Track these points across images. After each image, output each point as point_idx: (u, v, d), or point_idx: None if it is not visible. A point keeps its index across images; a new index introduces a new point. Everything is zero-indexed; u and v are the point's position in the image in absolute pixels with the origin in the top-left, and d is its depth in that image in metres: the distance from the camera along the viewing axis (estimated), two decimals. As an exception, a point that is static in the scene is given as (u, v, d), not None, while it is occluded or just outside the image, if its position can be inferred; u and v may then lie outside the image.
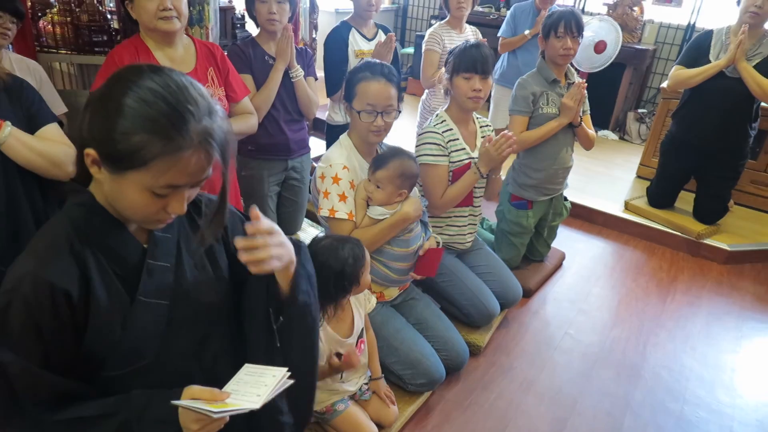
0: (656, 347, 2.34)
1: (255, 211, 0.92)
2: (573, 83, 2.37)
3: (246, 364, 1.00)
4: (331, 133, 2.83)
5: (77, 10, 2.57)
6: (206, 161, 0.85)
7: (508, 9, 3.97)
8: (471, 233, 2.28)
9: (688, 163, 3.17)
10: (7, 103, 1.38)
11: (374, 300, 1.72)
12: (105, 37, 2.62)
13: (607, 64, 3.97)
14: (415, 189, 1.85)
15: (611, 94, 4.83)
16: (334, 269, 1.47)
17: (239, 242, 0.91)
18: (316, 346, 1.13)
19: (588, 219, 3.47)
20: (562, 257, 2.96)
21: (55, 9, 2.58)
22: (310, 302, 1.06)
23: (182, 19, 1.76)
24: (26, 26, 2.34)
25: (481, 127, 2.20)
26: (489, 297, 2.19)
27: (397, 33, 6.48)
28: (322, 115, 2.93)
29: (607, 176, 3.95)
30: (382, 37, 2.67)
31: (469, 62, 1.96)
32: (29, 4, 2.48)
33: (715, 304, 2.71)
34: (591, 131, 2.49)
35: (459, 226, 2.21)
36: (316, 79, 2.54)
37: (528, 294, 2.60)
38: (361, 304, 1.65)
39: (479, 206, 2.25)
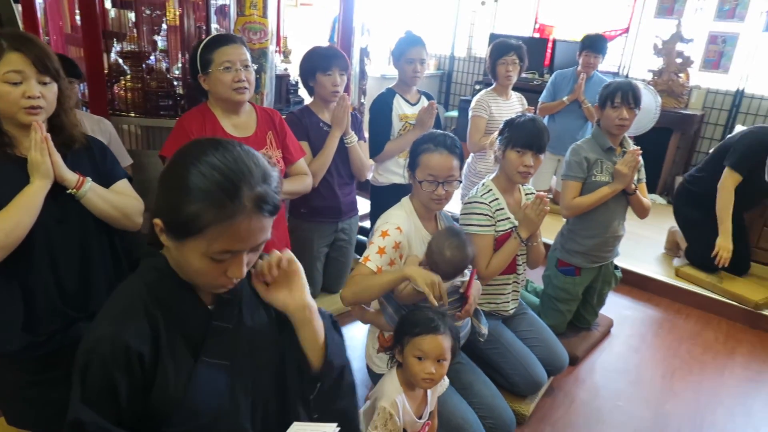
0: (714, 425, 2.21)
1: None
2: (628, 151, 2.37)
3: (294, 423, 1.03)
4: (375, 193, 2.89)
5: (147, 77, 2.78)
6: (260, 226, 0.90)
7: (551, 75, 4.07)
8: (514, 300, 2.26)
9: None
10: (87, 162, 1.51)
11: (447, 381, 1.68)
12: (170, 102, 2.79)
13: (646, 129, 3.98)
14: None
15: (658, 158, 4.79)
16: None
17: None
18: (355, 409, 1.16)
19: (637, 285, 3.37)
20: (611, 324, 2.87)
21: (128, 76, 2.78)
22: (344, 364, 1.10)
23: (251, 89, 1.91)
24: (102, 90, 2.55)
25: (526, 194, 2.22)
26: (536, 365, 2.14)
27: (441, 97, 6.67)
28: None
29: (657, 241, 3.84)
30: (424, 102, 2.73)
31: (525, 138, 1.99)
32: (106, 71, 2.69)
33: (778, 381, 2.56)
34: (646, 200, 2.45)
35: (504, 294, 2.20)
36: (366, 142, 2.64)
37: (574, 362, 2.51)
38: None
39: (522, 273, 2.24)
